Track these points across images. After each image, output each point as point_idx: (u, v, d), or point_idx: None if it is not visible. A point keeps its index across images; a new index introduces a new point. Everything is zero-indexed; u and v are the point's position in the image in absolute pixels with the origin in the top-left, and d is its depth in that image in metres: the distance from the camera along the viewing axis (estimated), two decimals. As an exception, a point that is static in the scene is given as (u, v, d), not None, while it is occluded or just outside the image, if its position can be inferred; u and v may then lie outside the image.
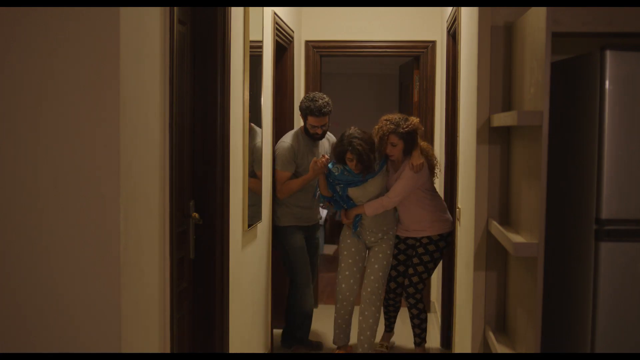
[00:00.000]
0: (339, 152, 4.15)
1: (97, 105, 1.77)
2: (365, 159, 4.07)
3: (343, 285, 4.33)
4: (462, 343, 3.40)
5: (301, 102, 4.37)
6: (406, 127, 4.05)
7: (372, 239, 4.33)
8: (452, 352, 3.97)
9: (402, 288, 4.39)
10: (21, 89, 1.77)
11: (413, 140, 4.09)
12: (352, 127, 4.19)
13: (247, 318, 3.49)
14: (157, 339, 2.14)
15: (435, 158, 4.30)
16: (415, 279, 4.23)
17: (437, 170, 4.31)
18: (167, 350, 2.23)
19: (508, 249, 2.50)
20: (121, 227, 1.79)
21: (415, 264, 4.22)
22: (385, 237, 4.31)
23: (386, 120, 4.12)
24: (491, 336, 2.82)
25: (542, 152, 2.28)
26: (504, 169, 2.88)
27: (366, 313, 4.24)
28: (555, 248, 2.53)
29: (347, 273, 4.33)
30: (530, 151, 2.47)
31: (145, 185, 2.00)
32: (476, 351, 3.00)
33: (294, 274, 4.45)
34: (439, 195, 4.33)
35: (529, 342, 2.40)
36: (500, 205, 2.89)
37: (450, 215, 4.21)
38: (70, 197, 1.78)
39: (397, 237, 4.35)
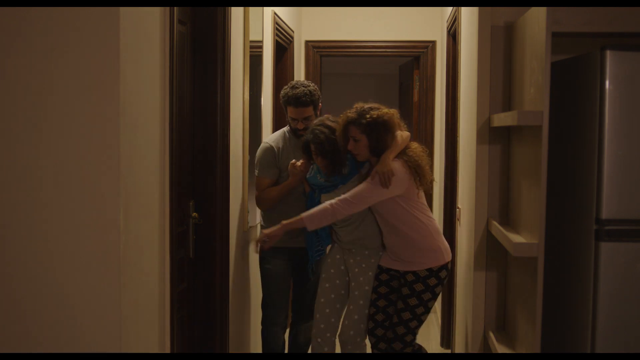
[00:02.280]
0: (302, 145, 3.26)
1: (97, 105, 1.77)
2: (328, 149, 3.09)
3: (317, 316, 3.27)
4: (462, 343, 3.40)
5: (282, 90, 3.51)
6: (369, 118, 2.98)
7: (352, 260, 3.24)
8: (452, 352, 3.96)
9: (384, 328, 3.17)
10: (21, 89, 1.76)
11: (380, 137, 2.98)
12: (327, 115, 3.31)
13: (247, 318, 3.49)
14: (157, 339, 2.14)
15: (427, 167, 3.10)
16: (404, 315, 3.07)
17: (431, 182, 3.16)
18: (167, 350, 2.23)
19: (508, 249, 2.50)
20: (121, 227, 1.79)
21: (400, 309, 3.08)
22: (372, 260, 3.19)
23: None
24: (491, 336, 2.82)
25: (542, 152, 2.28)
26: (504, 169, 2.88)
27: None
28: (555, 248, 2.53)
29: (322, 300, 3.27)
30: (530, 151, 2.47)
31: (145, 185, 2.00)
32: (476, 351, 3.00)
33: (262, 307, 3.53)
34: (429, 217, 3.10)
35: (529, 342, 2.40)
36: (500, 205, 2.89)
37: (444, 243, 3.11)
38: (70, 197, 1.78)
39: (379, 266, 3.18)
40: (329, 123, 3.17)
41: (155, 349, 2.11)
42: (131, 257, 1.88)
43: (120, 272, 1.80)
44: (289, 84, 3.48)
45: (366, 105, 3.06)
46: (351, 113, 3.04)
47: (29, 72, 1.76)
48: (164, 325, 2.20)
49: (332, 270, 3.27)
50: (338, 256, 3.27)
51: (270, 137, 3.58)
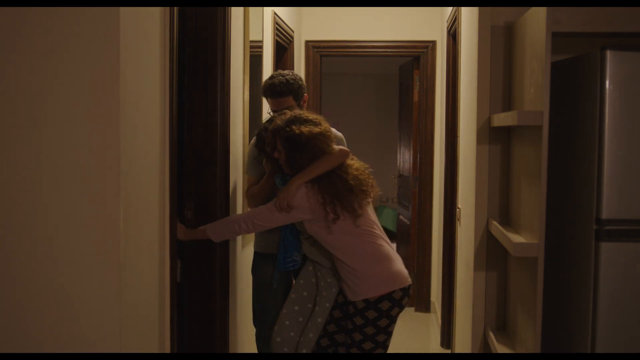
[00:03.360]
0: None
1: (97, 105, 1.77)
2: (268, 142, 2.81)
3: (276, 328, 3.03)
4: (462, 343, 3.40)
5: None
6: (289, 132, 2.70)
7: (319, 273, 3.04)
8: (452, 352, 3.97)
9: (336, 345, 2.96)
10: (21, 89, 1.76)
11: (295, 155, 2.70)
12: (298, 111, 2.96)
13: (247, 318, 3.49)
14: (157, 339, 2.14)
15: (361, 190, 2.74)
16: (365, 346, 2.78)
17: (367, 208, 2.80)
18: (167, 350, 2.23)
19: (508, 249, 2.50)
20: (121, 227, 1.79)
21: (358, 341, 2.78)
22: (337, 277, 2.92)
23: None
24: (491, 336, 2.82)
25: (542, 152, 2.28)
26: (504, 169, 2.88)
27: None
28: (555, 248, 2.53)
29: (284, 311, 3.04)
30: (530, 151, 2.47)
31: (145, 186, 2.00)
32: (476, 351, 3.00)
33: (253, 319, 3.31)
34: (370, 242, 2.77)
35: (529, 342, 2.40)
36: (500, 205, 2.89)
37: (389, 270, 2.78)
38: (70, 197, 1.78)
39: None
40: (289, 117, 2.80)
41: (155, 349, 2.11)
42: (131, 257, 1.88)
43: (120, 272, 1.80)
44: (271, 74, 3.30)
45: (297, 115, 2.78)
46: (280, 120, 2.78)
47: (29, 72, 1.76)
48: (164, 325, 2.20)
49: (301, 281, 3.07)
50: (310, 267, 3.06)
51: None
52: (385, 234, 2.89)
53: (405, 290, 2.80)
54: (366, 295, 2.72)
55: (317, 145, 2.70)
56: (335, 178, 2.71)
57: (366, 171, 2.83)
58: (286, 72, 3.25)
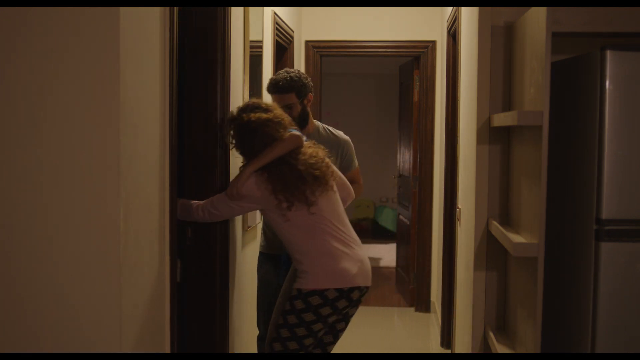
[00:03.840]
0: None
1: (97, 105, 1.77)
2: (226, 132, 2.78)
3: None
4: (462, 343, 3.40)
5: None
6: (239, 120, 2.70)
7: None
8: (452, 352, 3.97)
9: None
10: (21, 89, 1.76)
11: (246, 144, 2.71)
12: (255, 100, 2.93)
13: (248, 318, 3.49)
14: (157, 339, 2.14)
15: (314, 176, 2.69)
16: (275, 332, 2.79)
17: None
18: (167, 350, 2.23)
19: (508, 249, 2.50)
20: (121, 226, 1.79)
21: (278, 324, 2.79)
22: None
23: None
24: (491, 336, 2.82)
25: (542, 152, 2.28)
26: (504, 169, 2.88)
27: None
28: (555, 248, 2.53)
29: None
30: (530, 151, 2.47)
31: (145, 185, 2.00)
32: (476, 351, 3.00)
33: (257, 321, 3.41)
34: (318, 234, 2.72)
35: (529, 342, 2.40)
36: (500, 205, 2.89)
37: (341, 265, 2.72)
38: (70, 197, 1.78)
39: None
40: (254, 103, 2.78)
41: (155, 349, 2.11)
42: (131, 257, 1.88)
43: (120, 272, 1.80)
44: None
45: (249, 103, 2.77)
46: (235, 109, 2.77)
47: (29, 72, 1.76)
48: (163, 325, 2.20)
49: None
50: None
51: None
52: (346, 230, 2.80)
53: (342, 292, 2.70)
54: (300, 285, 2.72)
55: (266, 132, 2.67)
56: (283, 165, 2.67)
57: (320, 157, 2.75)
58: (292, 70, 3.29)
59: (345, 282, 2.71)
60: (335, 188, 2.83)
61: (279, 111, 2.78)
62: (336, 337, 2.91)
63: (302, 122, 3.26)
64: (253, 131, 2.67)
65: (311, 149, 2.78)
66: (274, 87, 3.23)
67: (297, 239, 2.75)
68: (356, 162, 3.50)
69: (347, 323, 2.90)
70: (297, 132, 2.77)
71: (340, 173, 2.98)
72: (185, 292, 2.89)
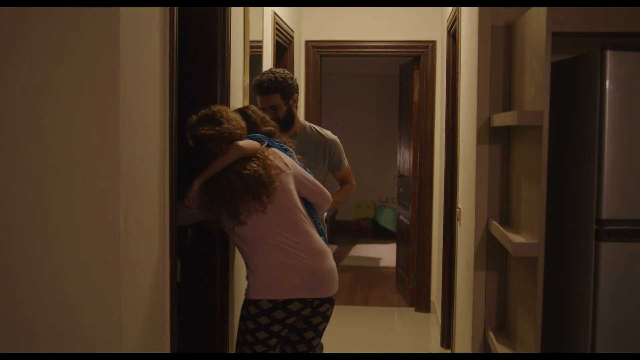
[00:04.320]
0: None
1: (97, 105, 1.77)
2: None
3: None
4: (462, 343, 3.40)
5: None
6: (192, 132, 2.60)
7: None
8: (452, 352, 3.97)
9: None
10: (21, 89, 1.76)
11: (197, 154, 2.62)
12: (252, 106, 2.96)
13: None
14: (157, 339, 2.14)
15: (255, 191, 2.59)
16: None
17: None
18: (167, 350, 2.23)
19: (508, 249, 2.50)
20: (121, 226, 1.79)
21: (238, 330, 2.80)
22: None
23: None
24: (491, 336, 2.82)
25: (542, 152, 2.28)
26: (504, 169, 2.88)
27: None
28: (555, 248, 2.53)
29: None
30: (530, 151, 2.47)
31: (145, 185, 2.00)
32: (476, 351, 3.00)
33: None
34: (255, 246, 2.65)
35: (529, 342, 2.40)
36: (500, 205, 2.89)
37: (264, 279, 2.63)
38: (71, 197, 1.78)
39: None
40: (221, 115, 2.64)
41: (155, 349, 2.11)
42: (131, 257, 1.88)
43: (120, 272, 1.80)
44: None
45: (205, 115, 2.63)
46: (195, 117, 2.64)
47: (29, 72, 1.76)
48: (163, 325, 2.20)
49: None
50: None
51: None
52: (298, 239, 2.67)
53: (276, 304, 2.62)
54: (245, 294, 2.71)
55: (209, 148, 2.57)
56: (223, 177, 2.58)
57: (261, 171, 2.60)
58: (278, 70, 3.23)
59: (280, 293, 2.62)
60: (289, 197, 2.68)
61: (232, 124, 2.62)
62: (302, 338, 2.79)
63: (287, 122, 3.21)
64: (200, 146, 2.58)
65: (261, 160, 2.63)
66: (258, 88, 3.18)
67: (243, 250, 2.71)
68: (346, 162, 3.46)
69: (316, 332, 2.78)
70: (238, 143, 2.61)
71: (313, 179, 2.84)
72: (185, 292, 2.89)
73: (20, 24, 1.75)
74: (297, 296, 2.65)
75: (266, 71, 3.24)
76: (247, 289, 2.71)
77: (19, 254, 1.79)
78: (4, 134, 1.77)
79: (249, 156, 2.62)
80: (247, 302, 2.69)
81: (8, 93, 1.76)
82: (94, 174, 1.78)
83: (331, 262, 2.78)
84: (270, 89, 3.16)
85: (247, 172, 2.58)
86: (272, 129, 2.86)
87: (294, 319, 2.69)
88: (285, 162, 2.73)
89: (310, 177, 2.84)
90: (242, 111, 2.85)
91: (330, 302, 2.76)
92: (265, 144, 2.74)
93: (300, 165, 2.84)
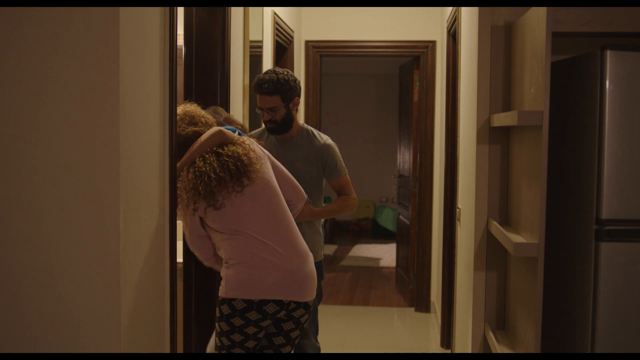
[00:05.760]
0: None
1: (97, 105, 1.77)
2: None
3: None
4: (462, 343, 3.40)
5: None
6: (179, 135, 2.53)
7: None
8: (452, 352, 3.97)
9: None
10: (21, 89, 1.76)
11: (179, 152, 2.50)
12: (216, 107, 2.90)
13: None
14: (157, 339, 2.14)
15: (223, 179, 2.46)
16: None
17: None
18: (167, 350, 2.23)
19: (508, 249, 2.50)
20: (121, 226, 1.79)
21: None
22: None
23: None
24: (491, 336, 2.82)
25: (542, 152, 2.28)
26: (504, 169, 2.89)
27: None
28: (555, 248, 2.53)
29: None
30: (530, 151, 2.47)
31: (145, 185, 2.00)
32: (476, 351, 3.00)
33: None
34: (229, 240, 2.52)
35: (529, 342, 2.40)
36: (500, 205, 2.89)
37: (251, 274, 2.48)
38: (70, 197, 1.78)
39: None
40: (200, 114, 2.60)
41: (155, 349, 2.11)
42: (131, 257, 1.88)
43: (120, 272, 1.80)
44: None
45: (185, 115, 2.57)
46: (180, 114, 2.58)
47: (29, 72, 1.76)
48: (163, 325, 2.20)
49: None
50: None
51: (252, 132, 3.29)
52: (278, 235, 2.54)
53: (251, 304, 2.46)
54: (219, 292, 2.56)
55: (188, 145, 2.52)
56: (190, 167, 2.48)
57: (239, 150, 2.50)
58: (281, 70, 3.09)
59: (256, 292, 2.46)
60: (270, 186, 2.58)
61: (207, 127, 2.58)
62: (271, 343, 2.63)
63: (285, 126, 3.11)
64: (182, 144, 2.51)
65: (239, 144, 2.54)
66: (258, 88, 3.05)
67: (220, 248, 2.55)
68: (343, 170, 3.24)
69: (286, 338, 2.61)
70: (221, 128, 2.56)
71: (288, 174, 2.74)
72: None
73: (20, 24, 1.75)
74: (274, 297, 2.48)
75: (269, 70, 3.10)
76: (220, 287, 2.53)
77: (18, 254, 1.79)
78: (3, 134, 1.77)
79: (227, 142, 2.53)
80: (220, 302, 2.51)
81: (8, 93, 1.76)
82: (94, 174, 1.77)
83: (312, 266, 2.61)
84: (271, 90, 3.02)
85: (225, 152, 2.47)
86: (238, 127, 2.76)
87: (268, 321, 2.52)
88: (261, 149, 2.65)
89: (285, 169, 2.73)
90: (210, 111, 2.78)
91: (305, 307, 2.58)
92: (237, 132, 2.65)
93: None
